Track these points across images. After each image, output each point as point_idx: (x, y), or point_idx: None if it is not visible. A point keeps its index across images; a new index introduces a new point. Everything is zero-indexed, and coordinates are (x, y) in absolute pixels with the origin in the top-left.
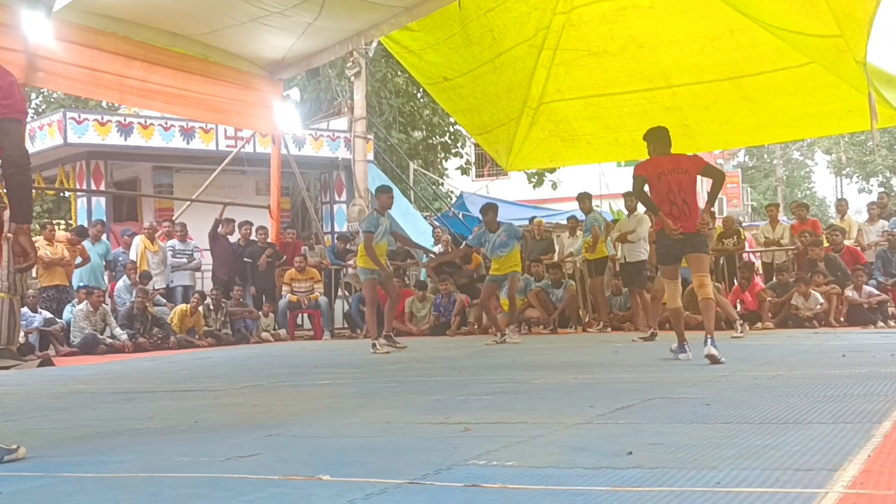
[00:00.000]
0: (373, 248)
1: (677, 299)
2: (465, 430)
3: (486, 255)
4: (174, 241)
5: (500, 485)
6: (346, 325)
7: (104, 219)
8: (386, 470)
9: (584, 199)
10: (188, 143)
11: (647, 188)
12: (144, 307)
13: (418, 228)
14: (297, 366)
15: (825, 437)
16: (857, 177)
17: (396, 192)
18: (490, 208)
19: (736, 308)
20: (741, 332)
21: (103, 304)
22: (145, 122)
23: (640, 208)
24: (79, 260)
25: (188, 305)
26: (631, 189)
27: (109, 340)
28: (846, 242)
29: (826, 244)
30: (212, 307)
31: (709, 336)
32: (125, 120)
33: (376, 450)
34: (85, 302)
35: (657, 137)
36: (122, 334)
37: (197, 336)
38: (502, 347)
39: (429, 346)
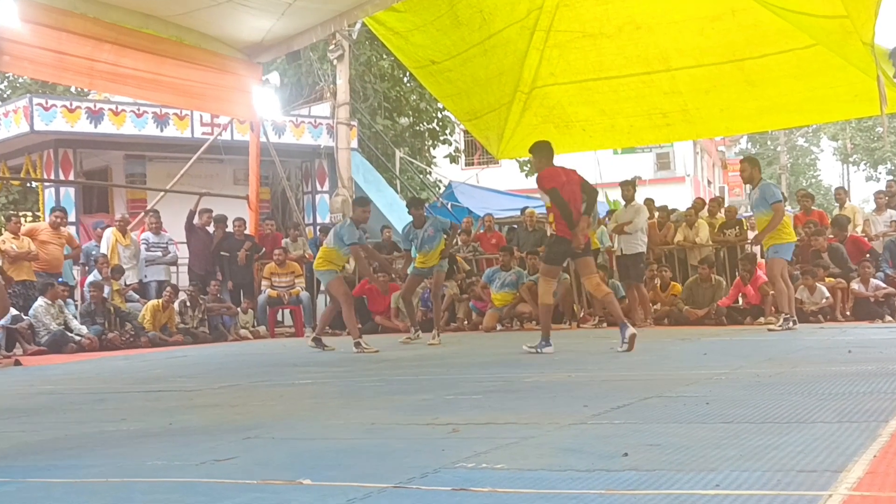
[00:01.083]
0: (364, 261)
1: (551, 296)
2: (453, 431)
3: (414, 252)
4: (147, 234)
5: (490, 488)
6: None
7: (72, 210)
8: (370, 474)
9: None
10: (162, 130)
11: None
12: (103, 300)
13: (404, 220)
14: (277, 364)
15: (829, 436)
16: (865, 164)
17: (382, 182)
18: (418, 203)
19: (738, 303)
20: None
21: (59, 300)
22: (116, 108)
23: (638, 198)
24: (67, 249)
25: (160, 300)
26: (551, 197)
27: (78, 338)
28: (855, 231)
29: (831, 235)
30: (188, 304)
31: (622, 322)
32: (95, 106)
33: (360, 452)
34: (41, 297)
35: (547, 150)
36: (82, 328)
37: (170, 333)
38: (493, 343)
39: (415, 342)
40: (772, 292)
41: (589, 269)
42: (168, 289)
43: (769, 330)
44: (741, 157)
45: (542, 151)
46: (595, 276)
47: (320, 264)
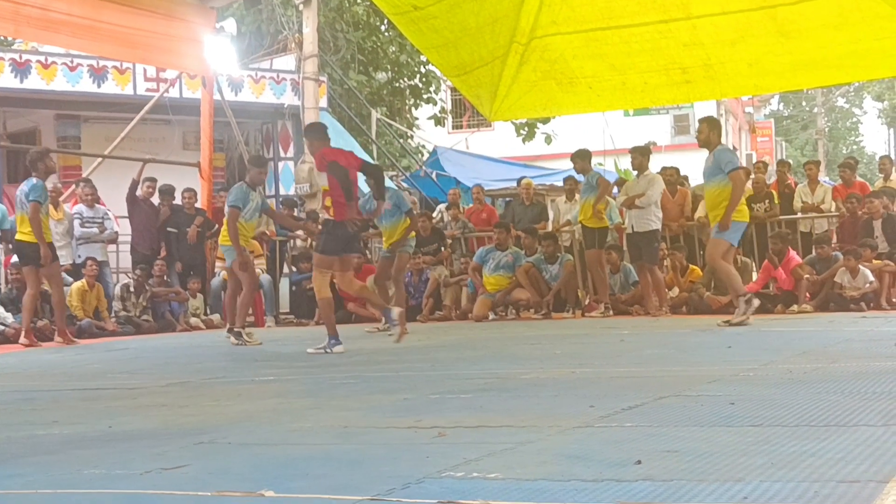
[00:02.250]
0: (236, 226)
1: (329, 288)
2: (439, 435)
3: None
4: (80, 207)
5: (482, 500)
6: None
7: None
8: (343, 484)
9: (578, 158)
10: (99, 86)
11: None
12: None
13: None
14: (234, 359)
15: (874, 441)
16: None
17: (356, 147)
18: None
19: (767, 288)
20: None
21: None
22: (46, 60)
23: (652, 168)
24: None
25: (84, 280)
26: (331, 171)
27: (2, 327)
28: None
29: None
30: (133, 289)
31: (384, 308)
32: (21, 57)
33: (331, 460)
34: None
35: (322, 131)
36: (7, 316)
37: (101, 318)
38: (485, 334)
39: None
40: (806, 276)
41: (350, 266)
42: (89, 262)
43: (719, 325)
44: (701, 118)
45: (317, 132)
46: (351, 273)
47: (225, 238)
